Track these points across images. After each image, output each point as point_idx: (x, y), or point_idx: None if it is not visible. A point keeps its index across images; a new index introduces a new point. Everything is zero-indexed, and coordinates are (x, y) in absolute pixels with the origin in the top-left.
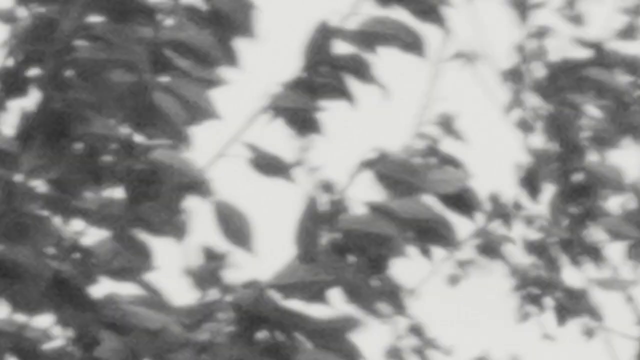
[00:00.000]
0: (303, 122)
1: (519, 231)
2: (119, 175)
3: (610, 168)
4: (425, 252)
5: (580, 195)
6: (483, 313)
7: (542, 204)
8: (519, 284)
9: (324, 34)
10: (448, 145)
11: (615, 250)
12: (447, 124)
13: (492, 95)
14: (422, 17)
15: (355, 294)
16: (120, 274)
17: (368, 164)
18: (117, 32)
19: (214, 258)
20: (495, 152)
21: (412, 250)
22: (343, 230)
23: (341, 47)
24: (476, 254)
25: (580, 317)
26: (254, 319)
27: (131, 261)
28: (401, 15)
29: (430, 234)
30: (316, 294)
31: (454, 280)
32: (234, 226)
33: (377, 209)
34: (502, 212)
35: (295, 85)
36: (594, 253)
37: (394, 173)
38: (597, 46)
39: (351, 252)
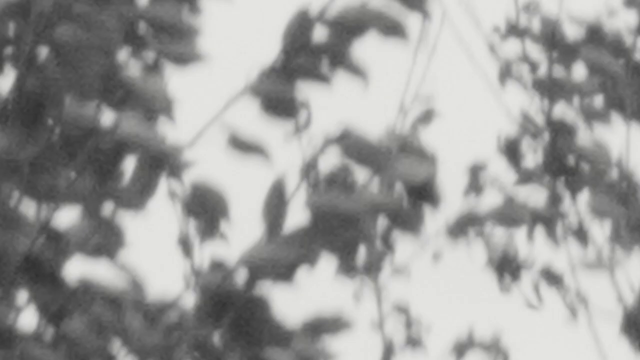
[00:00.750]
0: (280, 107)
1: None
2: (87, 153)
3: (597, 145)
4: (388, 242)
5: (566, 172)
6: (467, 290)
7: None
8: (495, 260)
9: (304, 20)
10: (430, 126)
11: (599, 230)
12: (428, 105)
13: (481, 69)
14: (406, 4)
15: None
16: (95, 252)
17: (332, 141)
18: (96, 11)
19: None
20: (482, 126)
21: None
22: (312, 209)
23: (321, 34)
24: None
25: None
26: (219, 302)
27: (106, 239)
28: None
29: (399, 221)
30: (284, 274)
31: (436, 256)
32: (210, 205)
33: (349, 189)
34: (479, 184)
35: (273, 70)
36: (580, 232)
37: (359, 151)
38: (590, 25)
39: (320, 232)
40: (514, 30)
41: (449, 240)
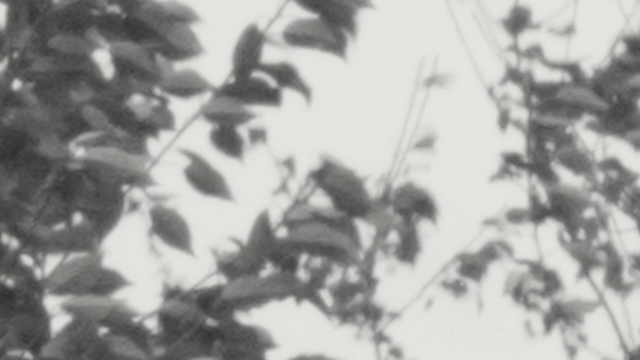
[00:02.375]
0: (229, 145)
1: None
2: (56, 178)
3: (574, 188)
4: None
5: (551, 215)
6: (461, 331)
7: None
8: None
9: (253, 38)
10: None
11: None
12: (426, 145)
13: (482, 107)
14: (335, 21)
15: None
16: (96, 290)
17: (316, 176)
18: (72, 44)
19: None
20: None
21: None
22: (295, 241)
23: (269, 51)
24: (459, 276)
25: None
26: (210, 332)
27: (102, 279)
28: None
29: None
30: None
31: (429, 303)
32: (172, 229)
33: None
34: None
35: (224, 91)
36: (553, 279)
37: (341, 186)
38: (572, 68)
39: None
40: (514, 75)
41: (450, 286)
